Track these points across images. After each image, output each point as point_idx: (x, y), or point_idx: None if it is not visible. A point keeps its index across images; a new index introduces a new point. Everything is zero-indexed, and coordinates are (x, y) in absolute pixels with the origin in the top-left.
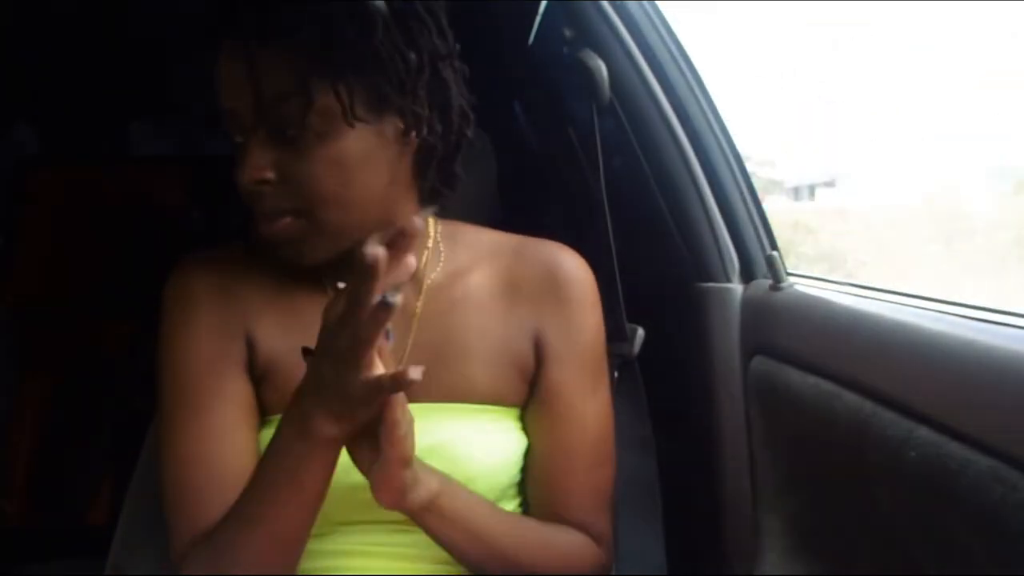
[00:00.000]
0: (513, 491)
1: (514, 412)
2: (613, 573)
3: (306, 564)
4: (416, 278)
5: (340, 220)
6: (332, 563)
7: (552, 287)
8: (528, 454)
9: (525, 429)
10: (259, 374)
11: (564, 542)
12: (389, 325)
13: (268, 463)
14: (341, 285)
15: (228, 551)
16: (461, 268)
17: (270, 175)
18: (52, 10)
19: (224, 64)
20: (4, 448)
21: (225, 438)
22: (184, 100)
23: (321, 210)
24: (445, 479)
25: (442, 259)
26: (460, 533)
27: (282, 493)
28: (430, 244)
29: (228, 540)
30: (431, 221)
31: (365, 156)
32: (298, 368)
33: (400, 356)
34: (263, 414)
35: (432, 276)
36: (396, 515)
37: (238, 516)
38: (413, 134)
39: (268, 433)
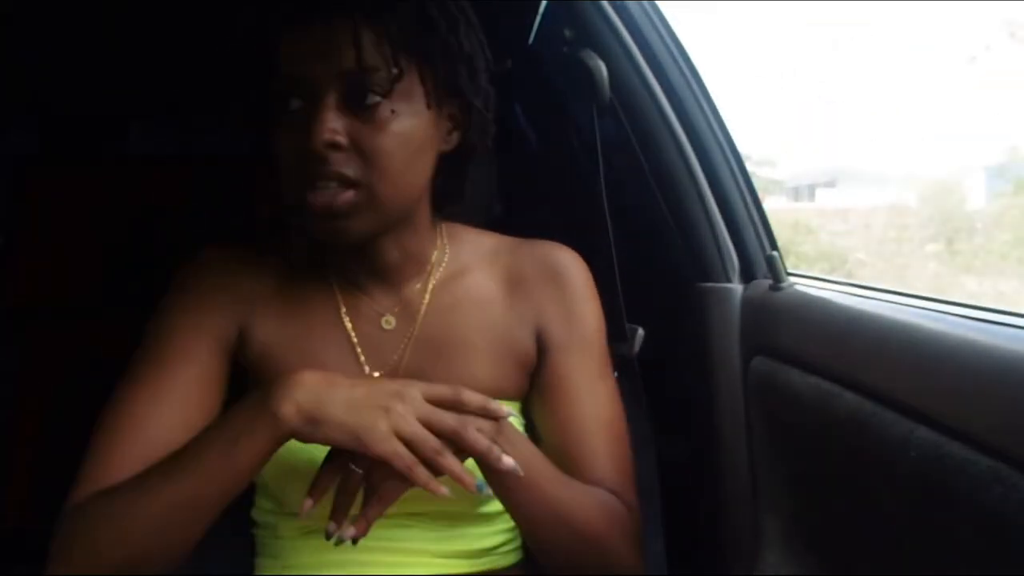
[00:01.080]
0: None
1: (515, 405)
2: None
3: (306, 558)
4: (423, 275)
5: (392, 197)
6: (331, 557)
7: (550, 281)
8: (543, 439)
9: (530, 421)
10: (253, 364)
11: (607, 498)
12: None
13: (211, 426)
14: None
15: (124, 505)
16: (464, 266)
17: (343, 140)
18: (52, 9)
19: (304, 34)
20: (4, 448)
21: (175, 402)
22: (183, 100)
23: (381, 183)
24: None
25: (446, 258)
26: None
27: (204, 456)
28: (438, 242)
29: (130, 494)
30: (436, 221)
31: (425, 141)
32: (294, 361)
33: (403, 348)
34: None
35: (438, 274)
36: (396, 509)
37: (150, 472)
38: (458, 132)
39: None
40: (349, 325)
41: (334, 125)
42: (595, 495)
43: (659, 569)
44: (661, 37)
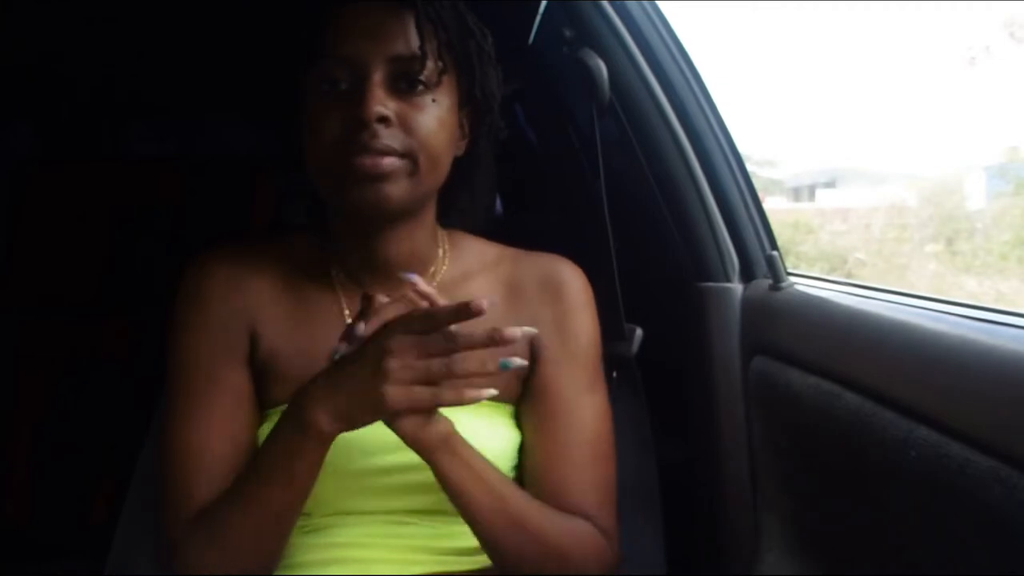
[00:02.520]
0: None
1: (508, 409)
2: (613, 573)
3: (307, 556)
4: (425, 277)
5: (429, 172)
6: (332, 555)
7: (548, 292)
8: (525, 452)
9: (519, 426)
10: (260, 367)
11: (574, 523)
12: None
13: (265, 450)
14: (384, 299)
15: (221, 529)
16: (465, 272)
17: (391, 114)
18: (52, 10)
19: (359, 16)
20: (4, 448)
21: (220, 429)
22: (183, 100)
23: (424, 156)
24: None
25: (447, 262)
26: (473, 479)
27: (274, 478)
28: (440, 247)
29: (222, 519)
30: (437, 226)
31: (452, 136)
32: (299, 362)
33: None
34: (262, 408)
35: (439, 278)
36: (395, 506)
37: (233, 497)
38: (467, 140)
39: (267, 427)
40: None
41: (384, 100)
42: (573, 525)
43: (659, 569)
44: (661, 37)
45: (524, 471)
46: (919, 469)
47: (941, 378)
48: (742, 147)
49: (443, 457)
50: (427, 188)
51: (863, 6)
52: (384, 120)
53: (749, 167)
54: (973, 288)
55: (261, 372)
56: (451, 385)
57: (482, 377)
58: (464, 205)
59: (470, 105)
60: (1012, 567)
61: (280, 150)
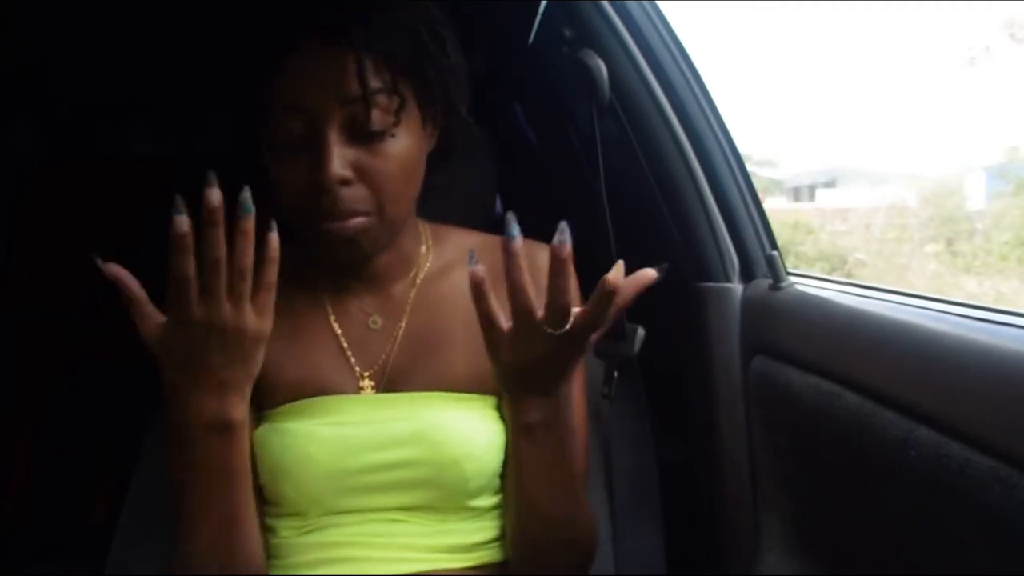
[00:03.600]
0: (497, 483)
1: (491, 401)
2: (613, 573)
3: (302, 557)
4: (409, 275)
5: (399, 215)
6: (327, 555)
7: (532, 280)
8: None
9: (505, 416)
10: None
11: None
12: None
13: (179, 459)
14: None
15: (183, 545)
16: (447, 264)
17: (351, 174)
18: (52, 10)
19: (305, 62)
20: (4, 448)
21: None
22: (183, 100)
23: (390, 207)
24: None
25: (431, 257)
26: (556, 453)
27: (197, 485)
28: (423, 242)
29: (180, 535)
30: (420, 222)
31: (420, 154)
32: (289, 369)
33: (390, 347)
34: (252, 408)
35: (423, 274)
36: (391, 504)
37: (179, 513)
38: (436, 131)
39: (263, 429)
40: (337, 327)
41: (343, 160)
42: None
43: (659, 569)
44: (661, 37)
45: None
46: (919, 469)
47: (941, 378)
48: (742, 147)
49: (541, 431)
50: (399, 226)
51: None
52: (346, 183)
53: (749, 167)
54: (973, 288)
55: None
56: None
57: None
58: (438, 183)
59: (434, 108)
60: (1012, 567)
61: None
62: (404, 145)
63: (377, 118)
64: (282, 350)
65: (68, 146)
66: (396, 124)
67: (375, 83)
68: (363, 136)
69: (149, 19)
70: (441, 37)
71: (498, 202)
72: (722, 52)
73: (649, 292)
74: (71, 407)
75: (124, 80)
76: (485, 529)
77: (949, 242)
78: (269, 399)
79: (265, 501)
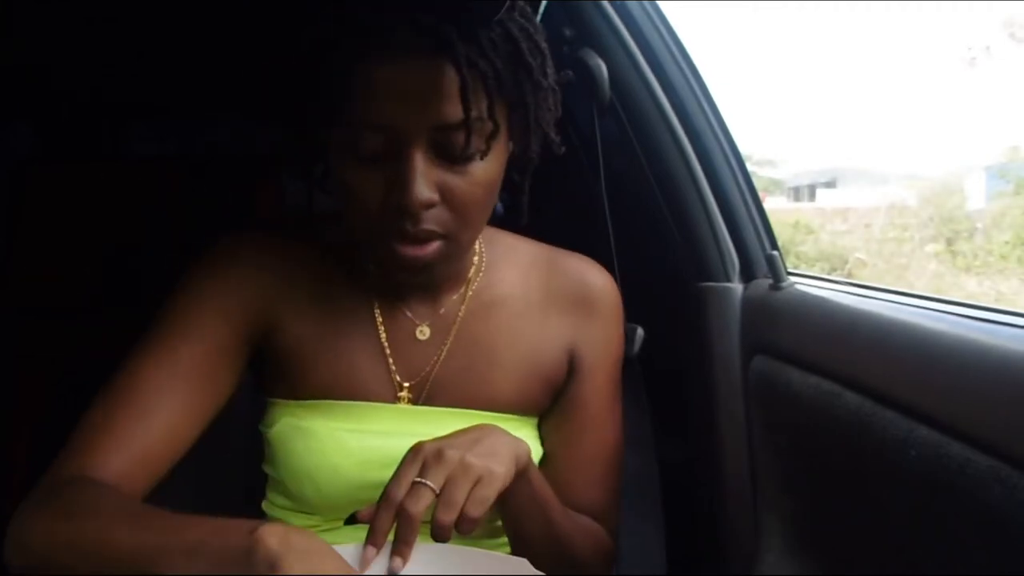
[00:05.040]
0: None
1: (532, 421)
2: (613, 573)
3: None
4: (462, 287)
5: (471, 240)
6: None
7: (585, 301)
8: (547, 459)
9: (543, 433)
10: (282, 357)
11: (591, 526)
12: None
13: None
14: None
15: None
16: (500, 278)
17: (435, 196)
18: (52, 10)
19: (395, 75)
20: (4, 448)
21: (175, 381)
22: (183, 99)
23: (465, 231)
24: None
25: (484, 269)
26: (536, 503)
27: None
28: (477, 251)
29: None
30: None
31: (501, 173)
32: (326, 356)
33: (435, 361)
34: (277, 396)
35: (475, 286)
36: None
37: (99, 522)
38: (511, 140)
39: (286, 422)
40: (383, 333)
41: (430, 183)
42: (587, 526)
43: (659, 569)
44: (661, 36)
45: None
46: (919, 469)
47: (941, 378)
48: (742, 147)
49: (522, 483)
50: (472, 243)
51: (863, 6)
52: (429, 206)
53: (749, 167)
54: (973, 288)
55: (283, 363)
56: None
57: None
58: (520, 215)
59: (525, 132)
60: (1012, 567)
61: (281, 149)
62: (491, 168)
63: (467, 143)
64: (322, 344)
65: (68, 146)
66: (488, 151)
67: (475, 108)
68: (450, 158)
69: (149, 19)
70: (542, 54)
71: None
72: (722, 52)
73: (649, 292)
74: (71, 407)
75: (124, 80)
76: (505, 545)
77: (949, 242)
78: (297, 388)
79: (280, 495)
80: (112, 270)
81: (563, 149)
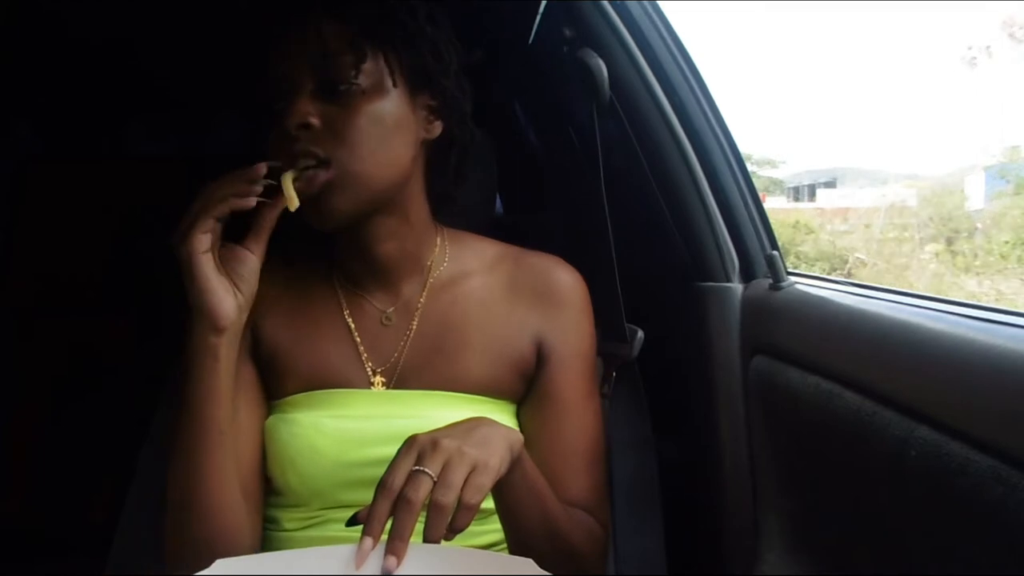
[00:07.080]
0: None
1: (509, 406)
2: (613, 573)
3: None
4: (421, 275)
5: (367, 175)
6: None
7: (551, 294)
8: (528, 452)
9: (521, 425)
10: (264, 363)
11: (585, 519)
12: None
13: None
14: None
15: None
16: (464, 270)
17: (315, 121)
18: (52, 10)
19: (281, 34)
20: (4, 448)
21: (236, 420)
22: (183, 98)
23: (353, 160)
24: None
25: (447, 260)
26: (532, 494)
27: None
28: (437, 243)
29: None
30: (436, 224)
31: (399, 121)
32: (303, 360)
33: (402, 345)
34: (268, 399)
35: (436, 274)
36: None
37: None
38: (439, 121)
39: (275, 418)
40: (351, 323)
41: (306, 108)
42: (580, 518)
43: (659, 569)
44: (661, 36)
45: None
46: (919, 469)
47: (941, 378)
48: (742, 147)
49: (517, 472)
50: (371, 190)
51: (864, 6)
52: (306, 126)
53: (749, 167)
54: (973, 288)
55: (265, 368)
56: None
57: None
58: (451, 191)
59: (429, 87)
60: (1012, 567)
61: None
62: (376, 105)
63: (337, 70)
64: (296, 340)
65: (68, 145)
66: (356, 76)
67: (337, 45)
68: (333, 95)
69: (149, 18)
70: (412, 8)
71: (498, 202)
72: (722, 52)
73: (649, 292)
74: (71, 407)
75: (125, 79)
76: (490, 532)
77: (949, 242)
78: (280, 387)
79: (271, 492)
80: (112, 270)
81: (474, 137)
